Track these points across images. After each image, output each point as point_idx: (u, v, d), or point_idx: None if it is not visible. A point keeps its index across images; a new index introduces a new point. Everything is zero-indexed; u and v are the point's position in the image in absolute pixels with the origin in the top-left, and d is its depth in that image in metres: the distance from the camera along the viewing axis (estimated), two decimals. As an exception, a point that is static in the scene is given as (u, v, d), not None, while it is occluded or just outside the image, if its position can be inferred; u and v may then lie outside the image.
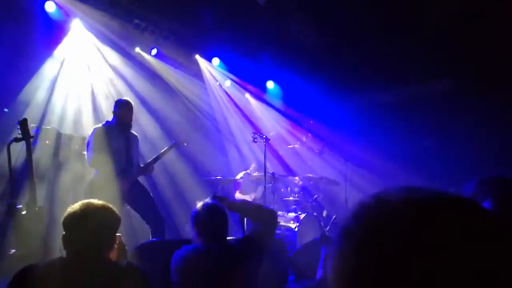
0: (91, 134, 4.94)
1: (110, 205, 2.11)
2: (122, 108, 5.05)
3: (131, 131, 5.20)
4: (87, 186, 4.83)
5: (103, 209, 2.06)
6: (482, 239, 0.53)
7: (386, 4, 6.88)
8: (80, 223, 1.96)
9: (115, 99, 5.28)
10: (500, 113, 7.05)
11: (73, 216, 1.98)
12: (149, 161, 5.25)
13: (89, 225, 1.96)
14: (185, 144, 5.58)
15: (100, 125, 5.08)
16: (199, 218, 2.71)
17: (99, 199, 4.39)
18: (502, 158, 6.85)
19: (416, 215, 0.55)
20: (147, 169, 5.20)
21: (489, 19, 6.48)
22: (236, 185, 7.45)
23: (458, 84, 7.69)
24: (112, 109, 5.11)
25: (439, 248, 0.51)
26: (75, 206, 2.02)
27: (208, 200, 2.80)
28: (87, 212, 1.99)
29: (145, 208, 4.95)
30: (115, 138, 4.95)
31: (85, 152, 5.04)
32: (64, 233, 1.99)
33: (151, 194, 5.19)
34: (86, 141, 5.05)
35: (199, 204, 2.76)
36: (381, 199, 0.60)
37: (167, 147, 5.35)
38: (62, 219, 2.03)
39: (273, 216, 2.97)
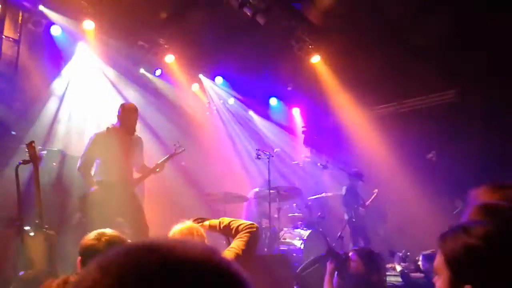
0: (89, 139, 4.92)
1: (122, 236, 2.31)
2: (125, 111, 5.02)
3: (136, 134, 5.16)
4: (82, 200, 4.78)
5: (117, 238, 2.27)
6: None
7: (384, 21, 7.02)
8: (97, 253, 2.11)
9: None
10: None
11: (90, 246, 2.18)
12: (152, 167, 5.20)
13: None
14: (183, 149, 5.37)
15: (102, 130, 5.04)
16: None
17: (94, 214, 4.41)
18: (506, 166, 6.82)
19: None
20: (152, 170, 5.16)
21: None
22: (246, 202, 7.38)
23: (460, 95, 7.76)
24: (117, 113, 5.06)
25: None
26: (91, 236, 2.23)
27: (183, 223, 2.69)
28: (102, 242, 2.19)
29: (135, 224, 4.82)
30: (117, 143, 4.87)
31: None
32: (80, 257, 2.18)
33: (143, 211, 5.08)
34: None
35: (173, 228, 2.64)
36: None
37: (164, 158, 5.26)
38: (71, 242, 2.22)
39: (253, 230, 2.78)
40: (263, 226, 6.42)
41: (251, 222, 2.89)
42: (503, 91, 7.13)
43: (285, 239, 6.44)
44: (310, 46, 8.02)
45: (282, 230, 6.56)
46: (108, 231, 2.30)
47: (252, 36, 7.60)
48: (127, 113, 5.02)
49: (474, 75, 7.43)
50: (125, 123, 4.99)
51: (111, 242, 2.20)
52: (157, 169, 5.20)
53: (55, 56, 6.85)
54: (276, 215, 6.30)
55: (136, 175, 5.24)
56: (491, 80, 7.26)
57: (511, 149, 6.92)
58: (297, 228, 6.64)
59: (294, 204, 7.42)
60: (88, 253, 2.18)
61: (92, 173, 4.88)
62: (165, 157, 5.29)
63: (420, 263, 5.31)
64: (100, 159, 4.86)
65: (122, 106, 5.12)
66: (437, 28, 6.79)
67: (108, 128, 5.03)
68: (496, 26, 6.57)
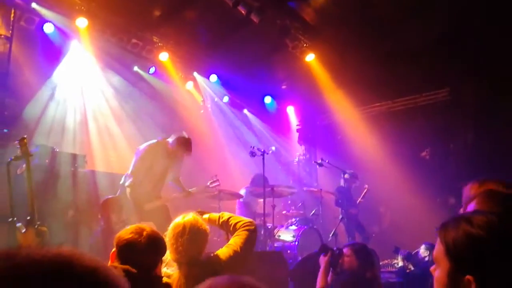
0: (142, 150, 5.02)
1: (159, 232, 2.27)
2: (180, 145, 5.08)
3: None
4: (117, 199, 4.93)
5: (156, 233, 2.23)
6: None
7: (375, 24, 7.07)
8: (137, 246, 2.11)
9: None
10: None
11: (131, 239, 2.13)
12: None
13: (144, 250, 2.11)
14: (218, 184, 5.58)
15: (154, 141, 5.13)
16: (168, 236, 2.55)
17: (123, 214, 4.48)
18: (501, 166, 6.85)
19: None
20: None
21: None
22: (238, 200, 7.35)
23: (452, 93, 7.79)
24: (171, 140, 5.13)
25: None
26: (130, 230, 2.18)
27: (185, 215, 2.66)
28: (143, 237, 2.14)
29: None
30: (162, 161, 5.05)
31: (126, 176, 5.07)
32: (117, 250, 2.14)
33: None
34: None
35: (174, 221, 2.62)
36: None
37: (195, 189, 5.44)
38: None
39: (251, 228, 2.80)
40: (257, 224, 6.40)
41: (249, 220, 2.91)
42: (495, 89, 7.18)
43: (279, 236, 6.43)
44: (304, 45, 8.01)
45: (276, 227, 6.55)
46: (145, 226, 2.25)
47: (246, 34, 7.59)
48: (179, 147, 5.09)
49: (466, 73, 7.47)
50: (178, 151, 5.09)
51: (152, 237, 2.16)
52: (185, 196, 5.32)
53: (48, 54, 6.80)
54: (268, 212, 6.28)
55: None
56: (482, 78, 7.31)
57: (502, 146, 6.96)
58: (291, 225, 6.63)
59: (289, 202, 7.42)
60: (128, 246, 2.12)
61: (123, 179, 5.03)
62: (198, 188, 5.45)
63: (420, 250, 5.34)
64: (142, 175, 4.96)
65: (179, 140, 5.12)
66: (429, 26, 6.82)
67: (156, 142, 5.14)
68: (487, 25, 6.62)
